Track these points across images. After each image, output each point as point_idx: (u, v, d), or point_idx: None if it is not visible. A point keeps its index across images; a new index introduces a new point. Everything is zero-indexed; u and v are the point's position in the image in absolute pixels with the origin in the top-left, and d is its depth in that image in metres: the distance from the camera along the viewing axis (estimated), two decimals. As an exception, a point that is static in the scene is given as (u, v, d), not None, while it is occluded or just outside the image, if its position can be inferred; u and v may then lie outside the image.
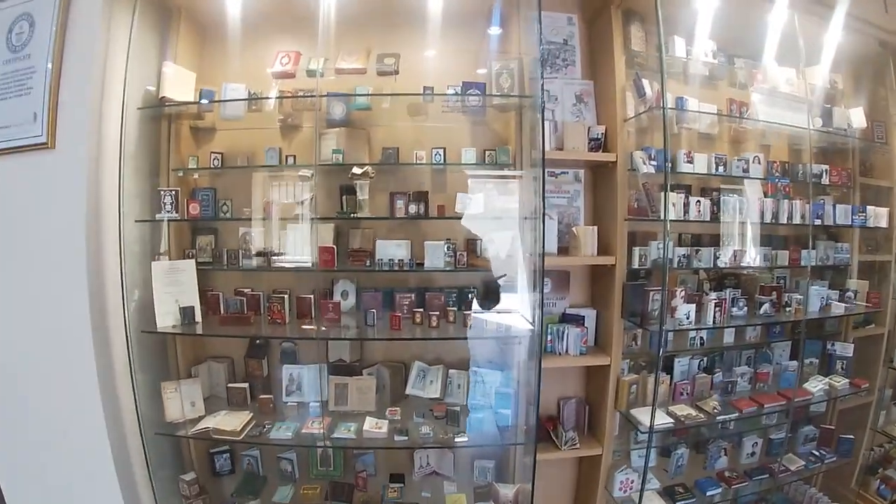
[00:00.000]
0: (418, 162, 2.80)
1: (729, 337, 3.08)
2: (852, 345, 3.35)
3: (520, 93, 2.76)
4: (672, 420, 2.78)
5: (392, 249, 2.74)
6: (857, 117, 3.29)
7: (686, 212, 2.74)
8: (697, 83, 3.04)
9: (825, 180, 3.22)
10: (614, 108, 2.84)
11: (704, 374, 3.03)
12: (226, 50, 2.89)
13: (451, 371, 2.95)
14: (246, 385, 2.85)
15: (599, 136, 2.88)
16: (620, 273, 2.78)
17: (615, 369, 2.85)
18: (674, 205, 2.59)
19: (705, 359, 3.10)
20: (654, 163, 2.83)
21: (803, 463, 3.30)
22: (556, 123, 2.96)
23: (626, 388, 2.84)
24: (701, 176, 2.97)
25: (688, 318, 2.68)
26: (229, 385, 2.84)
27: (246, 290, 2.87)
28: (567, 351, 2.82)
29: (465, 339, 2.74)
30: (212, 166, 2.90)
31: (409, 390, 2.93)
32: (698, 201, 2.76)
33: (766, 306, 2.89)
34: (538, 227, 2.54)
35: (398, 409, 2.77)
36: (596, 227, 2.80)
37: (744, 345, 3.22)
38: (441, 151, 2.81)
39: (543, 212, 2.51)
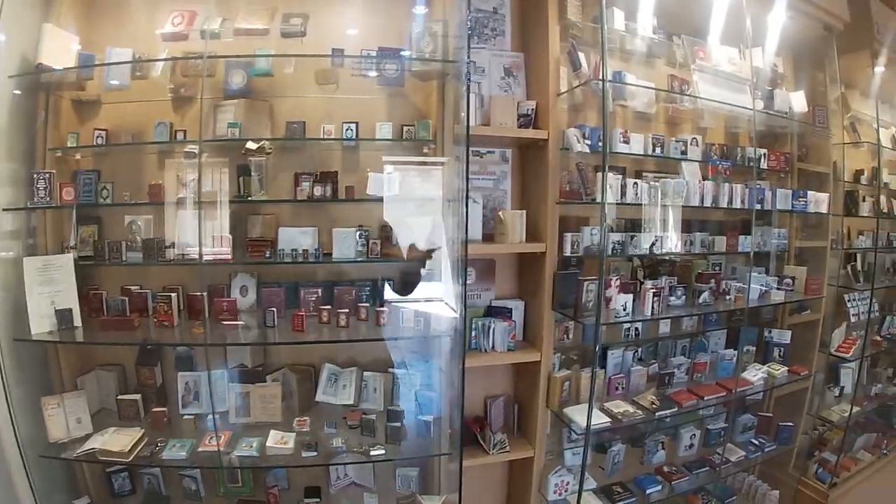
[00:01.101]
0: (327, 137, 2.44)
1: (665, 327, 2.87)
2: (789, 332, 3.22)
3: (443, 58, 2.42)
4: (609, 418, 2.55)
5: (297, 238, 2.39)
6: (798, 101, 3.14)
7: (623, 195, 2.49)
8: (636, 59, 2.82)
9: (763, 164, 3.05)
10: (547, 82, 2.56)
11: (640, 367, 2.83)
12: (114, 11, 2.48)
13: (366, 373, 2.61)
14: (138, 396, 2.44)
15: (529, 112, 2.60)
16: (551, 261, 2.52)
17: (546, 365, 2.61)
18: (611, 187, 2.34)
19: (639, 350, 2.90)
20: (588, 142, 2.57)
21: (743, 453, 3.17)
22: (482, 97, 2.67)
23: (559, 385, 2.60)
24: (637, 157, 2.74)
25: (625, 310, 2.45)
26: (119, 397, 2.44)
27: (133, 288, 2.47)
28: (493, 347, 2.55)
29: (379, 340, 2.43)
30: (95, 144, 2.47)
31: (319, 397, 2.58)
32: (635, 183, 2.53)
33: (705, 295, 2.69)
34: (461, 211, 2.27)
35: (307, 418, 2.44)
36: (524, 212, 2.53)
37: (680, 334, 3.03)
38: (353, 126, 2.44)
39: (467, 194, 2.22)
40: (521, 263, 2.77)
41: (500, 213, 2.56)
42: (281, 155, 2.45)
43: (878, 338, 3.91)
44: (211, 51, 2.30)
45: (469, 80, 2.24)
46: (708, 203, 2.68)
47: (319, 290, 2.49)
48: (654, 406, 2.65)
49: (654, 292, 2.50)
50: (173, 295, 2.34)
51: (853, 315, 3.65)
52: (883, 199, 3.89)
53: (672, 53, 2.84)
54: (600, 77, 2.33)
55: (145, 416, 2.44)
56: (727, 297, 2.78)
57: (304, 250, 2.36)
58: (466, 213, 2.23)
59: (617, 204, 2.51)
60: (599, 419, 2.53)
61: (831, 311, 3.83)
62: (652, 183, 2.58)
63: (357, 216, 2.48)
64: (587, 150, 2.50)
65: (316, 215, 2.51)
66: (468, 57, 2.23)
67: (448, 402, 2.43)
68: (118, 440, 2.26)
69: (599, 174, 2.37)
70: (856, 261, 3.69)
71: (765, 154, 3.05)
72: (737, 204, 2.77)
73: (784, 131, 3.24)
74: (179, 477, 2.58)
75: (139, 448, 2.25)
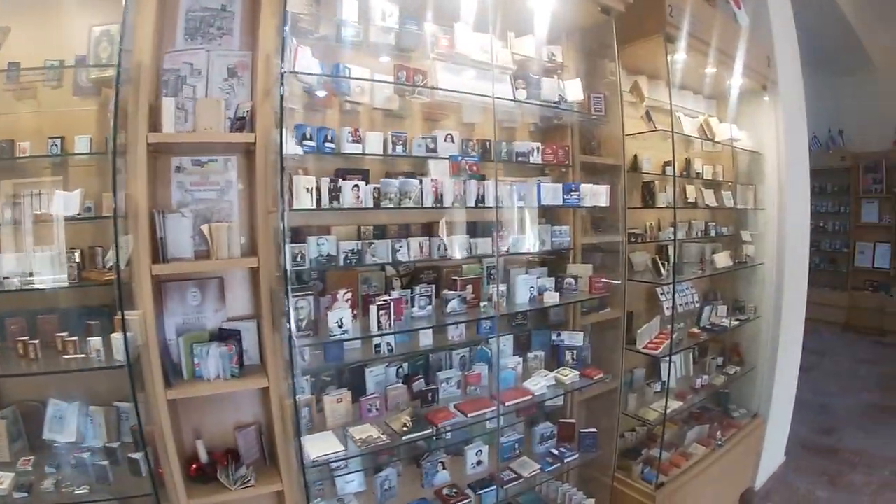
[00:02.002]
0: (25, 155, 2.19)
1: (426, 339, 2.60)
2: (581, 333, 3.04)
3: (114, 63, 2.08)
4: (342, 448, 2.26)
5: None
6: (573, 89, 2.95)
7: (335, 199, 2.21)
8: (369, 51, 2.55)
9: (536, 158, 2.85)
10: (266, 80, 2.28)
11: (401, 385, 2.56)
12: None
13: (91, 408, 2.30)
14: None
15: (245, 114, 2.29)
16: (267, 276, 2.22)
17: (276, 391, 2.30)
18: (309, 190, 2.06)
19: (405, 365, 2.63)
20: (311, 143, 2.28)
21: (538, 466, 2.94)
22: (189, 101, 2.34)
23: (293, 411, 2.29)
24: (377, 157, 2.47)
25: (340, 326, 2.17)
26: None
27: None
28: (211, 376, 2.23)
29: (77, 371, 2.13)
30: None
31: (46, 434, 2.27)
32: (355, 186, 2.24)
33: (453, 303, 2.45)
34: (162, 226, 2.03)
35: (32, 458, 2.21)
36: (231, 224, 2.22)
37: (453, 345, 2.78)
38: (58, 141, 2.22)
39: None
40: (254, 280, 2.45)
41: (203, 227, 2.23)
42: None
43: (696, 329, 3.82)
44: None
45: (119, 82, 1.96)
46: (448, 202, 2.43)
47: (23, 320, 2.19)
48: (405, 429, 2.39)
49: (380, 306, 2.22)
50: None
51: (667, 308, 3.53)
52: (692, 188, 3.81)
53: (420, 42, 2.57)
54: (293, 70, 2.05)
55: None
56: (483, 305, 2.54)
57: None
58: (164, 228, 2.03)
59: (337, 210, 2.22)
60: (334, 448, 2.25)
61: (643, 308, 3.72)
62: (375, 185, 2.30)
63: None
64: (300, 151, 2.20)
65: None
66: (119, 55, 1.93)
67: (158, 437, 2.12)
68: None
69: (304, 178, 2.09)
70: (664, 254, 3.57)
71: (538, 148, 2.85)
72: (489, 202, 2.54)
73: (561, 123, 3.05)
74: None
75: None
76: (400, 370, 2.62)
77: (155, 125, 2.14)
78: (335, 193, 2.18)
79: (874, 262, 8.56)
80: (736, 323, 4.14)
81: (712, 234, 4.10)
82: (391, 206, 2.29)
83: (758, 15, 3.98)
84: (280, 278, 2.20)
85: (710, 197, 3.96)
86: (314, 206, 2.12)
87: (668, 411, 3.52)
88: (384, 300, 2.24)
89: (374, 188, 2.30)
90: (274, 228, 2.21)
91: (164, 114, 2.15)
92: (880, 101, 8.37)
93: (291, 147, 2.20)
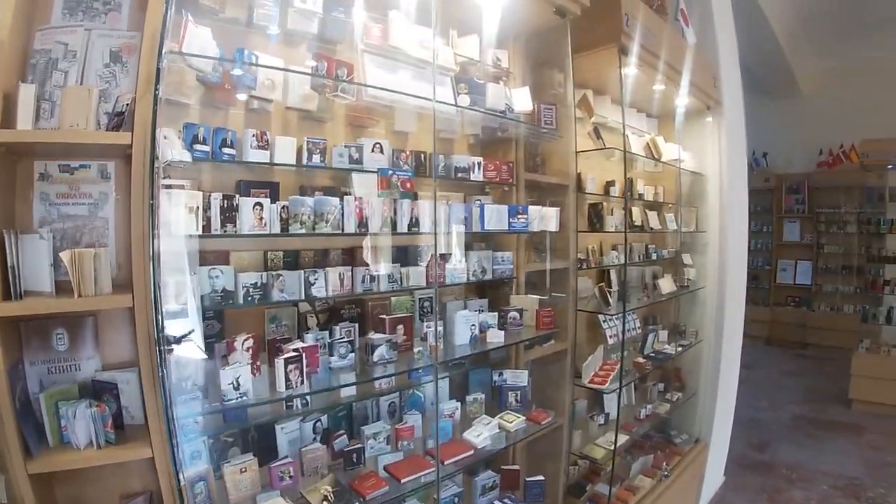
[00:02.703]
0: None
1: (349, 388, 2.16)
2: (525, 371, 2.70)
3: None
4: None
5: None
6: (520, 98, 2.62)
7: (229, 220, 1.73)
8: (290, 41, 2.12)
9: (477, 175, 2.49)
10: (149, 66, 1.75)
11: (319, 445, 2.10)
12: None
13: None
14: None
15: (124, 109, 1.78)
16: (146, 317, 1.71)
17: (163, 460, 1.78)
18: (192, 210, 1.59)
19: (324, 419, 2.18)
20: (204, 148, 1.81)
21: (478, 523, 2.56)
22: (58, 91, 1.81)
23: (177, 494, 1.79)
24: (289, 168, 2.02)
25: (236, 388, 1.70)
26: None
27: None
28: (81, 442, 1.70)
29: None
30: None
31: None
32: (257, 205, 1.78)
33: (381, 350, 2.02)
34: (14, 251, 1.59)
35: None
36: (102, 251, 1.70)
37: (381, 392, 2.35)
38: None
39: None
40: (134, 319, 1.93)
41: (62, 254, 1.70)
42: None
43: (641, 359, 3.57)
44: None
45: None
46: (377, 226, 2.01)
47: None
48: (325, 503, 1.94)
49: (289, 359, 1.77)
50: None
51: (610, 337, 3.26)
52: (637, 210, 3.59)
53: (349, 35, 2.15)
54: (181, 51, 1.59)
55: None
56: (418, 351, 2.13)
57: None
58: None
59: (217, 235, 1.75)
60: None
61: (584, 338, 3.43)
62: (283, 203, 1.85)
63: None
64: (187, 158, 1.72)
65: None
66: None
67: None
68: None
69: (186, 193, 1.61)
70: (606, 279, 3.31)
71: (479, 163, 2.49)
72: (425, 226, 2.14)
73: (505, 136, 2.72)
74: None
75: None
76: (318, 424, 2.15)
77: (10, 120, 1.63)
78: (229, 214, 1.70)
79: (795, 278, 8.86)
80: (679, 349, 3.95)
81: (653, 257, 3.90)
82: (302, 231, 1.84)
83: (703, 33, 3.84)
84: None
85: (653, 219, 3.75)
86: (199, 232, 1.64)
87: (611, 448, 3.25)
88: (294, 351, 1.79)
89: (282, 207, 1.85)
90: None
91: (19, 106, 1.64)
92: (805, 125, 8.71)
93: (177, 151, 1.72)
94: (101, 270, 1.72)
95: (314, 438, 2.16)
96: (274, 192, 2.00)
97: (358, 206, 1.95)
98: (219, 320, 2.01)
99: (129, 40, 1.97)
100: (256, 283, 1.86)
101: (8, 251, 1.61)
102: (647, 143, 3.62)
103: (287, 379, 1.76)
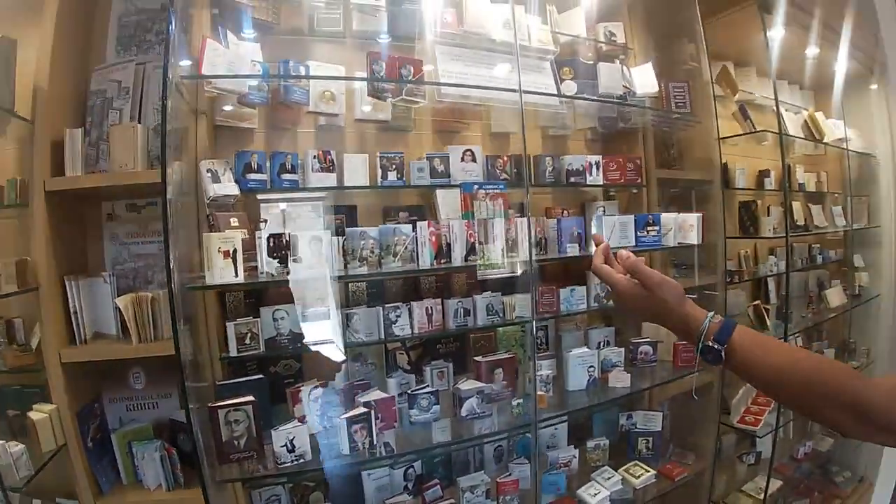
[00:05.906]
0: None
1: (444, 435, 1.71)
2: (659, 414, 2.09)
3: None
4: None
5: None
6: (643, 78, 2.01)
7: (280, 260, 1.35)
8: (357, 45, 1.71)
9: (595, 178, 1.92)
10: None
11: (406, 497, 1.69)
12: None
13: None
14: None
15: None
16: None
17: None
18: (227, 254, 1.24)
19: (417, 464, 1.76)
20: (260, 177, 1.47)
21: None
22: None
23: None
24: (361, 190, 1.62)
25: (290, 451, 1.34)
26: None
27: None
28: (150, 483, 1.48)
29: None
30: None
31: None
32: (315, 239, 1.38)
33: (471, 403, 1.55)
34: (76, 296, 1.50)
35: None
36: (160, 294, 1.43)
37: (482, 435, 1.87)
38: None
39: None
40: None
41: (116, 300, 1.45)
42: None
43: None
44: None
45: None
46: (460, 255, 1.53)
47: None
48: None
49: (352, 418, 1.36)
50: None
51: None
52: (798, 205, 2.77)
53: (420, 28, 1.70)
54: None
55: None
56: (515, 403, 1.62)
57: None
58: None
59: (246, 285, 1.40)
60: None
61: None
62: (338, 238, 1.44)
63: None
64: (235, 190, 1.38)
65: None
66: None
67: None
68: None
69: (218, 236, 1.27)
70: (764, 291, 2.55)
71: (597, 163, 1.93)
72: (524, 251, 1.62)
73: (630, 126, 2.10)
74: None
75: None
76: (410, 471, 1.75)
77: (60, 167, 1.50)
78: (280, 253, 1.32)
79: None
80: (849, 372, 3.04)
81: (818, 260, 3.02)
82: (364, 269, 1.43)
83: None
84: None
85: (817, 215, 2.89)
86: (238, 278, 1.29)
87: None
88: (360, 409, 1.39)
89: (341, 240, 1.45)
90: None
91: (66, 152, 1.51)
92: None
93: (222, 186, 1.39)
94: (162, 313, 1.47)
95: (405, 486, 1.77)
96: (351, 216, 1.62)
97: (434, 232, 1.50)
98: (297, 360, 1.69)
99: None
100: (324, 323, 1.49)
101: (69, 297, 1.51)
102: (805, 121, 2.79)
103: (352, 441, 1.36)
